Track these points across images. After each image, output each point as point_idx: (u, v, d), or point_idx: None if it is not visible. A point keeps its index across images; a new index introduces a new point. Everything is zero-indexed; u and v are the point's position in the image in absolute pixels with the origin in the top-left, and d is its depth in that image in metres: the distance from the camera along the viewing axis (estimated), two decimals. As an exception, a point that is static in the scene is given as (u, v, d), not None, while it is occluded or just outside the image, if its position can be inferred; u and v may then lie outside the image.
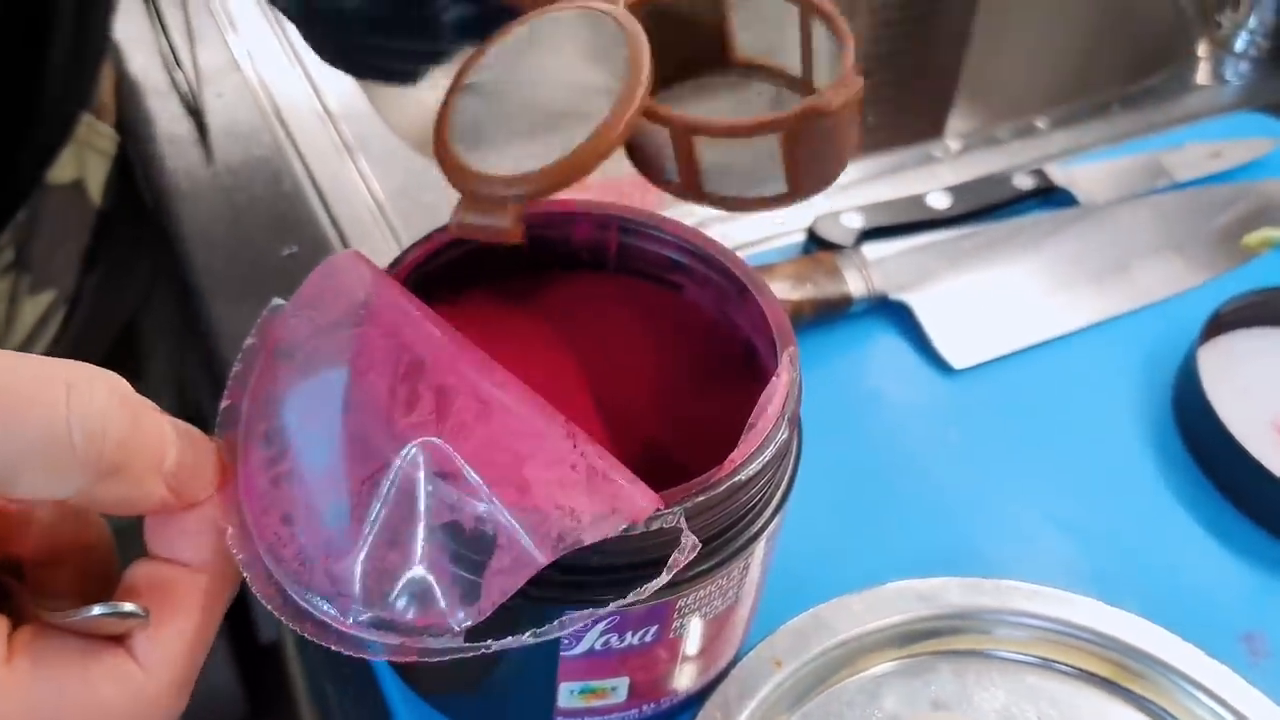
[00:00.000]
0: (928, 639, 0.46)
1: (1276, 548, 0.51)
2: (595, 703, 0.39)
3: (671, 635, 0.37)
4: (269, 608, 0.30)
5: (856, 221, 0.61)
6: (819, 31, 0.40)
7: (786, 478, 0.37)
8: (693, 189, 0.40)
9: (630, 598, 0.31)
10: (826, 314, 0.57)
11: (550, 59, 0.37)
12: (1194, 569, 0.50)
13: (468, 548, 0.30)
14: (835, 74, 0.38)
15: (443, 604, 0.30)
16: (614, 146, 0.34)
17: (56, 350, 0.65)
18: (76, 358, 0.66)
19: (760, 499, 0.36)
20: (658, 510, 0.32)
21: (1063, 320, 0.60)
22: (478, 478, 0.29)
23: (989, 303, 0.60)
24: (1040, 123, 0.77)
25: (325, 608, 0.30)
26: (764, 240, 0.65)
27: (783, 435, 0.35)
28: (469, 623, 0.29)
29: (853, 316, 0.59)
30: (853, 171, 0.71)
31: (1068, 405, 0.56)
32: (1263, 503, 0.52)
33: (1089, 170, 0.68)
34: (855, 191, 0.69)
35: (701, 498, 0.33)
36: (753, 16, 0.41)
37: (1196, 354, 0.55)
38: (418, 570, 0.30)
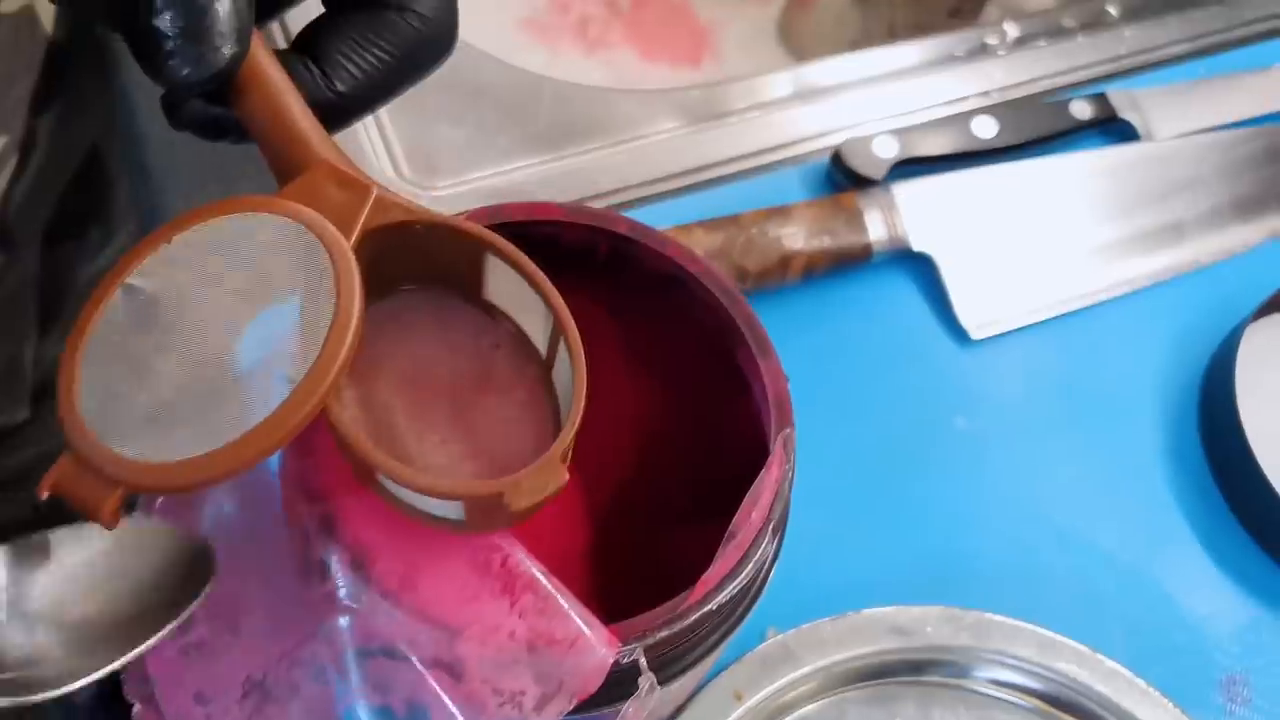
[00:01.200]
0: (899, 672, 0.44)
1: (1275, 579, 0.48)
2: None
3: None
4: None
5: (890, 150, 0.55)
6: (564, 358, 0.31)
7: (765, 582, 0.34)
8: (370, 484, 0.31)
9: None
10: (842, 265, 0.52)
11: (229, 285, 0.28)
12: (1189, 598, 0.48)
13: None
14: (565, 414, 0.29)
15: None
16: (257, 460, 0.26)
17: (11, 197, 0.60)
18: (31, 206, 0.59)
19: (735, 615, 0.33)
20: (617, 655, 0.29)
21: (1097, 285, 0.55)
22: (409, 657, 0.26)
23: (1020, 260, 0.54)
24: (1112, 8, 0.68)
25: None
26: (785, 149, 0.58)
27: (766, 548, 0.32)
28: None
29: (870, 267, 0.53)
30: (894, 60, 0.63)
31: (1086, 393, 0.52)
32: (1270, 528, 0.48)
33: (1156, 96, 0.60)
34: (892, 87, 0.61)
35: (665, 633, 0.30)
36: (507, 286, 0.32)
37: (1239, 338, 0.50)
38: None
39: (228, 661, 0.27)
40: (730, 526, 0.31)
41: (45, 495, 0.27)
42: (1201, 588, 0.48)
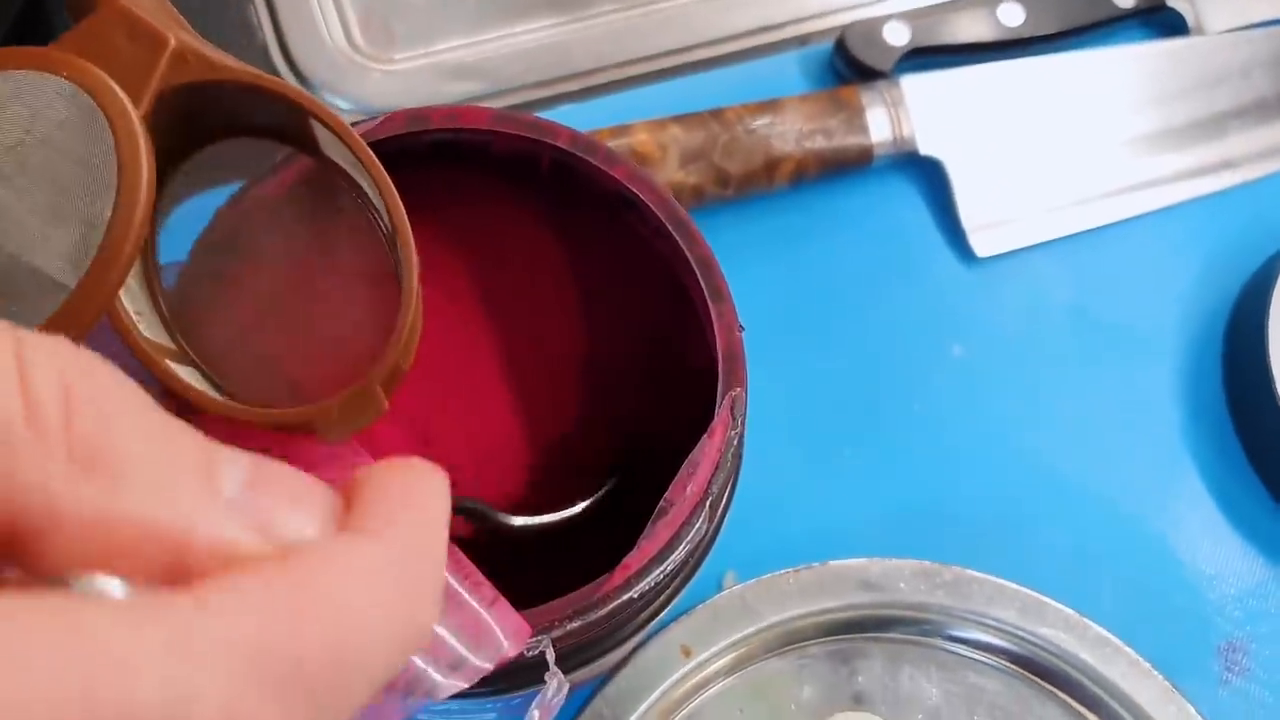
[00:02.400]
0: (867, 629, 0.40)
1: (1293, 539, 0.44)
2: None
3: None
4: None
5: (901, 37, 0.48)
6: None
7: (699, 564, 0.30)
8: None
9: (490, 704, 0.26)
10: (838, 170, 0.46)
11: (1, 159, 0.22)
12: (1193, 557, 0.44)
13: None
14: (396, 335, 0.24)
15: None
16: None
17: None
18: None
19: (661, 598, 0.29)
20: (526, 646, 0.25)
21: (1122, 201, 0.49)
22: None
23: (1039, 168, 0.49)
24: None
25: None
26: (785, 27, 0.52)
27: (700, 527, 0.28)
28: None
29: (869, 172, 0.48)
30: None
31: (1098, 324, 0.47)
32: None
33: (1214, -18, 0.53)
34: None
35: (576, 623, 0.26)
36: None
37: (1277, 269, 0.45)
38: None
39: None
40: (661, 500, 0.27)
41: None
42: (1208, 546, 0.44)
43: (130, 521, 0.15)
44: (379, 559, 0.17)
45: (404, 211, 0.24)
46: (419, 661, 0.23)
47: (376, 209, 0.25)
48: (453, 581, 0.24)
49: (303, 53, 0.50)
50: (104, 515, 0.15)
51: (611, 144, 0.43)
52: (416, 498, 0.18)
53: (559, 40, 0.51)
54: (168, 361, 0.23)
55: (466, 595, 0.24)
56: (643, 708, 0.38)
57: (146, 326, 0.24)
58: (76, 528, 0.15)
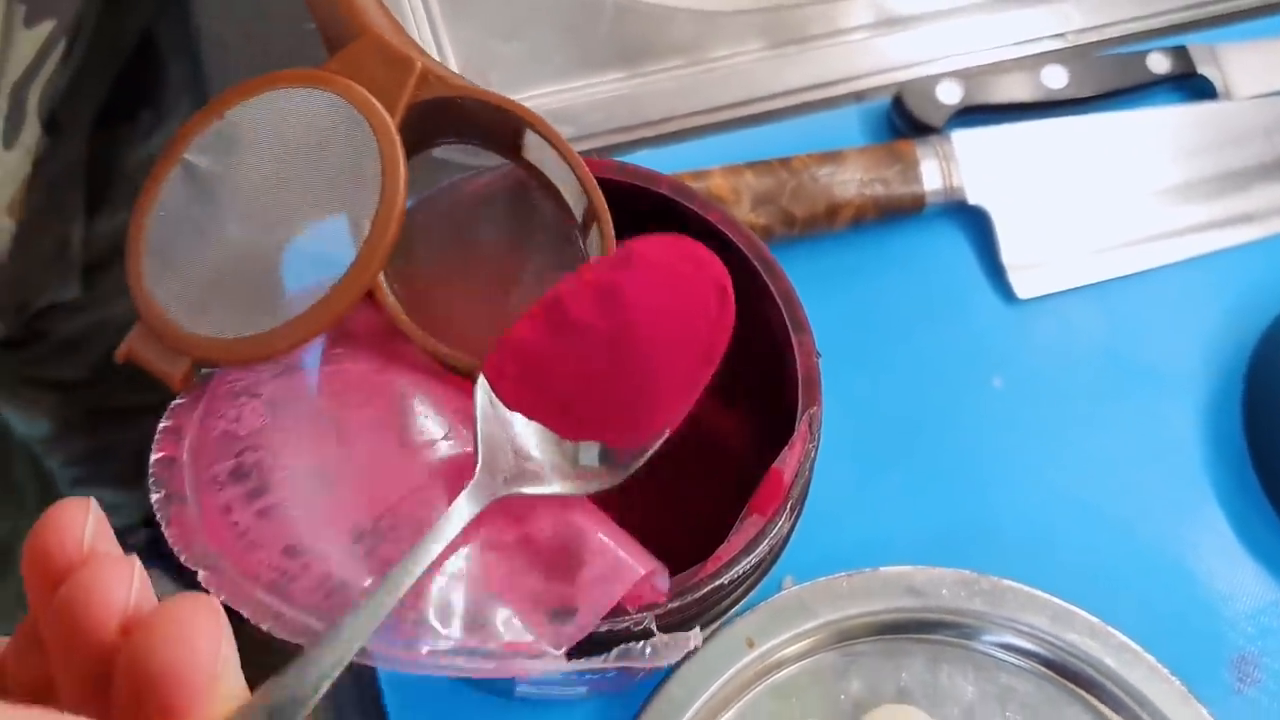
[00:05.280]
0: (910, 630, 0.45)
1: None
2: (554, 695, 0.39)
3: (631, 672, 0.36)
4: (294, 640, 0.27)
5: (953, 95, 0.53)
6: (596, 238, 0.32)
7: (778, 556, 0.34)
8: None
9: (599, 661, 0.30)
10: (891, 216, 0.51)
11: (277, 165, 0.29)
12: (1209, 576, 0.48)
13: (545, 568, 0.29)
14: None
15: (527, 625, 0.28)
16: (308, 340, 0.28)
17: (59, 83, 0.60)
18: (81, 90, 0.59)
19: (745, 584, 0.33)
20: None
21: (1153, 250, 0.53)
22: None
23: (1077, 219, 0.53)
24: (1208, -55, 0.64)
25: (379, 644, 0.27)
26: (845, 83, 0.57)
27: (782, 526, 0.32)
28: (567, 643, 0.28)
29: (922, 218, 0.52)
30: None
31: (1129, 363, 0.51)
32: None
33: (1239, 51, 0.57)
34: (965, 20, 0.59)
35: (676, 603, 0.31)
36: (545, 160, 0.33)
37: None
38: (489, 593, 0.28)
39: (324, 516, 0.28)
40: (750, 502, 0.32)
41: (122, 361, 0.30)
42: (1223, 567, 0.48)
43: None
44: None
45: (604, 201, 0.30)
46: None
47: (567, 205, 0.31)
48: (595, 531, 0.29)
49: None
50: None
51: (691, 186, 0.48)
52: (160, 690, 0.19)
53: (633, 92, 0.57)
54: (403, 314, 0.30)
55: (606, 539, 0.29)
56: (710, 691, 0.42)
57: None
58: None
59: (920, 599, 0.44)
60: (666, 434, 0.30)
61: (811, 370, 0.34)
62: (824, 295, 0.51)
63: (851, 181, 0.50)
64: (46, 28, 0.58)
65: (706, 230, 0.36)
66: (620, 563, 0.29)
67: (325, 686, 0.22)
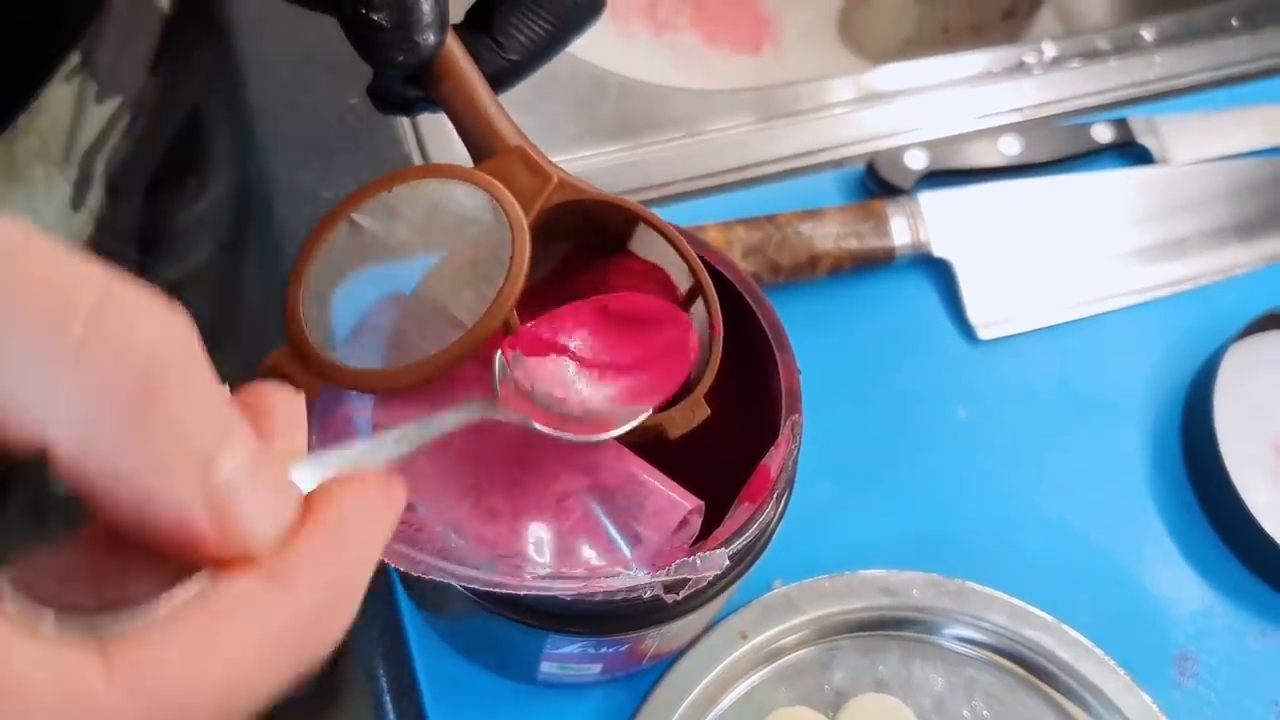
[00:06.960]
0: (886, 626, 0.50)
1: (1236, 574, 0.54)
2: (572, 675, 0.44)
3: (640, 647, 0.42)
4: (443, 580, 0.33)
5: (920, 162, 0.60)
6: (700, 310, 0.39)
7: (769, 540, 0.40)
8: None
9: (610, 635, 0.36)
10: (866, 265, 0.58)
11: (429, 235, 0.35)
12: (1153, 581, 0.54)
13: (616, 504, 0.35)
14: (704, 360, 0.37)
15: (605, 552, 0.34)
16: (428, 380, 0.34)
17: (120, 152, 0.67)
18: (139, 159, 0.65)
19: (740, 565, 0.39)
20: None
21: (1101, 295, 0.60)
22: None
23: (1031, 269, 0.60)
24: (1147, 33, 0.72)
25: (490, 575, 0.33)
26: (824, 153, 0.64)
27: (770, 511, 0.38)
28: (639, 563, 0.34)
29: (892, 268, 0.59)
30: (933, 73, 0.68)
31: (1081, 394, 0.58)
32: (1237, 532, 0.54)
33: (1175, 122, 0.65)
34: (930, 98, 0.67)
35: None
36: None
37: (1222, 355, 0.56)
38: (571, 529, 0.35)
39: (436, 470, 0.34)
40: (741, 493, 0.38)
41: (262, 373, 0.35)
42: (1165, 574, 0.54)
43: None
44: (282, 618, 0.19)
45: (711, 283, 0.37)
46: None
47: (676, 285, 0.39)
48: (649, 477, 0.36)
49: (439, 161, 0.62)
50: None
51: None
52: (352, 533, 0.20)
53: (636, 160, 0.64)
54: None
55: (658, 483, 0.36)
56: (708, 679, 0.48)
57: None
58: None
59: (894, 598, 0.50)
60: (650, 410, 0.36)
61: (793, 383, 0.40)
62: (806, 335, 0.57)
63: (830, 235, 0.57)
64: (114, 104, 0.66)
65: (710, 269, 0.42)
66: (672, 499, 0.36)
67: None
